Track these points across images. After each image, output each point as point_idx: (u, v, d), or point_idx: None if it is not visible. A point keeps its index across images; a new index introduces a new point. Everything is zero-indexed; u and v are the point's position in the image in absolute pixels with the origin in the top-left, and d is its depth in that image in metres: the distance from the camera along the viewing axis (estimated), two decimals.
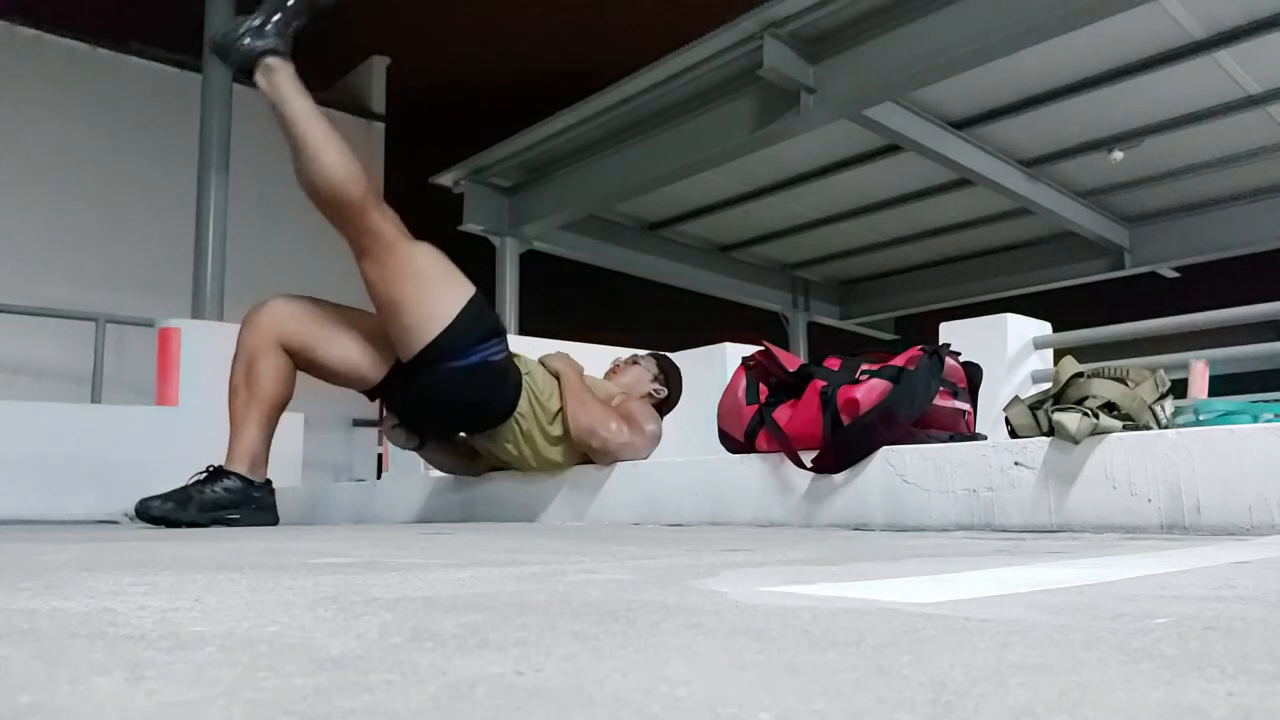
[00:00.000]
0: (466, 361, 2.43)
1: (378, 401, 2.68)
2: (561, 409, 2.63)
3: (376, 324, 2.52)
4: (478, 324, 2.46)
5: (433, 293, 2.40)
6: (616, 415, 2.59)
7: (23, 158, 8.78)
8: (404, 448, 2.81)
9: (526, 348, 2.84)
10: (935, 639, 0.51)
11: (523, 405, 2.57)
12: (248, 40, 2.35)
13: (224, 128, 6.65)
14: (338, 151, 2.35)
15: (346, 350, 2.51)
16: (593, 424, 2.54)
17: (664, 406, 2.98)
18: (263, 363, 2.46)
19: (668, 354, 3.13)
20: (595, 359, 3.15)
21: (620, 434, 2.55)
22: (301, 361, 2.52)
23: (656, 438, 2.67)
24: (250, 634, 0.53)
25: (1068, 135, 6.68)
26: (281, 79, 2.35)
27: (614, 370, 3.00)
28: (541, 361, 2.75)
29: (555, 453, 2.64)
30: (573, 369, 2.71)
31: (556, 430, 2.63)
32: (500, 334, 2.54)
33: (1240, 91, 5.95)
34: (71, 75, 9.19)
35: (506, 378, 2.54)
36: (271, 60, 2.35)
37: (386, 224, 2.38)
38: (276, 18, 2.38)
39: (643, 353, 3.09)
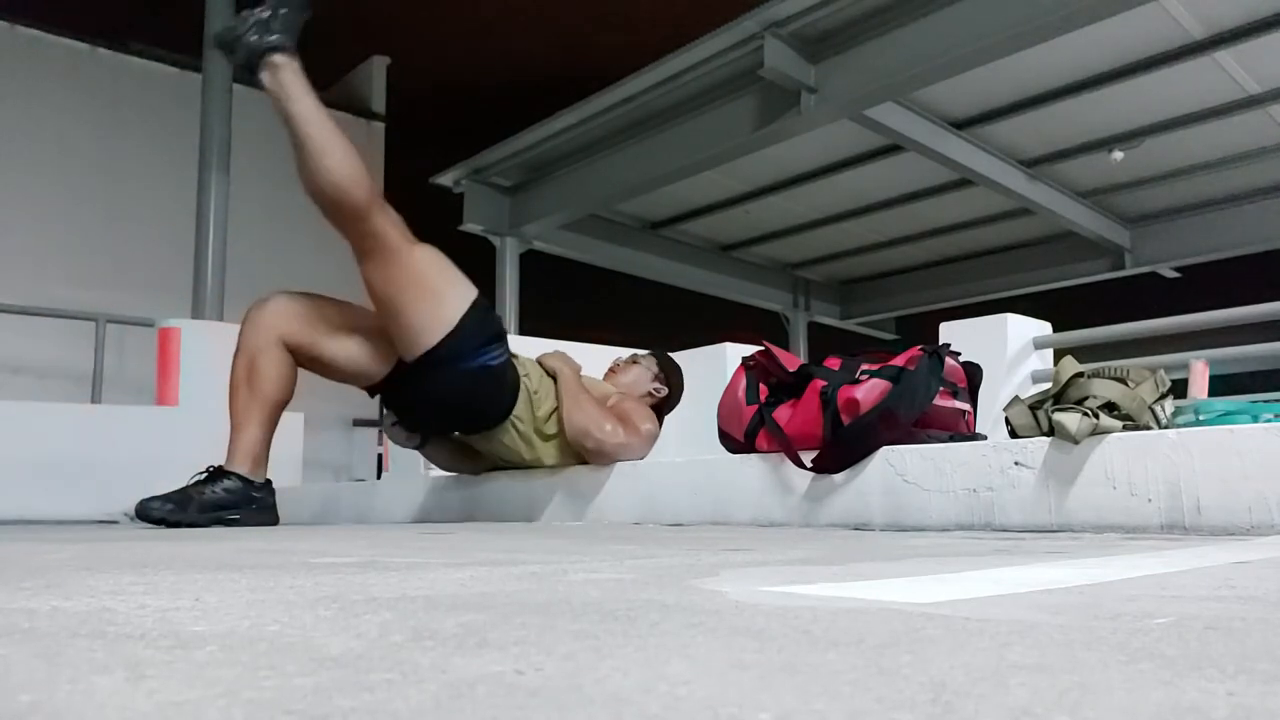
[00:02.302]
0: (468, 366, 2.44)
1: (377, 399, 2.68)
2: (557, 409, 2.63)
3: (378, 321, 2.51)
4: (480, 329, 2.46)
5: (436, 297, 2.40)
6: (611, 416, 2.58)
7: (23, 158, 8.78)
8: (403, 445, 2.81)
9: (526, 347, 2.84)
10: (935, 639, 0.51)
11: (519, 409, 2.58)
12: (254, 36, 2.29)
13: (224, 128, 6.65)
14: (342, 153, 2.31)
15: (349, 348, 2.51)
16: (587, 425, 2.54)
17: (665, 405, 2.97)
18: (264, 361, 2.45)
19: (668, 353, 3.12)
20: (595, 359, 3.14)
21: (615, 435, 2.55)
22: (303, 359, 2.51)
23: (653, 438, 2.66)
24: (250, 633, 0.53)
25: (1068, 135, 6.68)
26: (288, 77, 2.30)
27: (613, 370, 2.99)
28: (539, 361, 2.75)
29: (550, 452, 2.65)
30: (570, 368, 2.71)
31: (551, 429, 2.64)
32: (501, 338, 2.54)
33: (1240, 91, 5.95)
34: (71, 75, 9.19)
35: (505, 382, 2.55)
36: (278, 58, 2.29)
37: (390, 227, 2.36)
38: (283, 12, 2.32)
39: (642, 352, 3.07)
